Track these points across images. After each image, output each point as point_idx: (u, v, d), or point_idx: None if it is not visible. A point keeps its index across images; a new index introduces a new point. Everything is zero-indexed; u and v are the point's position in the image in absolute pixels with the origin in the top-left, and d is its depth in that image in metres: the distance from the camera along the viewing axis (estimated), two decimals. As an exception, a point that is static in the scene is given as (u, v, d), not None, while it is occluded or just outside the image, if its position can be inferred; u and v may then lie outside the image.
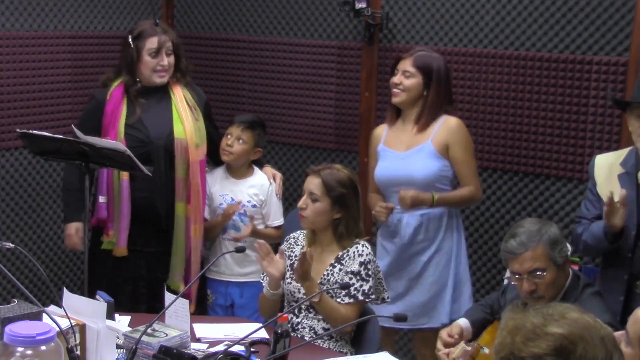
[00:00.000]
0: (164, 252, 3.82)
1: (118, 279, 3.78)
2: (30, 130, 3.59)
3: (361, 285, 3.14)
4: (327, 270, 3.20)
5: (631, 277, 3.13)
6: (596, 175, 3.27)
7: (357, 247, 3.20)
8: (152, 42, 3.75)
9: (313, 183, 3.23)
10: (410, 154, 3.73)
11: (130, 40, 3.77)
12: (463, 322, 3.14)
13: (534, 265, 2.86)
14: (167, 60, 3.77)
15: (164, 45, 3.77)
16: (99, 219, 3.77)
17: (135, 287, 3.80)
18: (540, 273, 2.86)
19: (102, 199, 3.75)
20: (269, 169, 4.01)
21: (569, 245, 3.12)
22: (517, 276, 2.90)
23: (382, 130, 3.89)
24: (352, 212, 3.20)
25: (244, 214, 3.88)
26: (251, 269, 3.90)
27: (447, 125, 3.72)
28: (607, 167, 3.25)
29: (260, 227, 3.92)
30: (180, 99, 3.83)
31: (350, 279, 3.13)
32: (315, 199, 3.20)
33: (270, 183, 3.92)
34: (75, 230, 3.80)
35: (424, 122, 3.72)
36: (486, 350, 2.89)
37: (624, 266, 3.14)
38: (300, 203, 3.24)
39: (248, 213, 3.88)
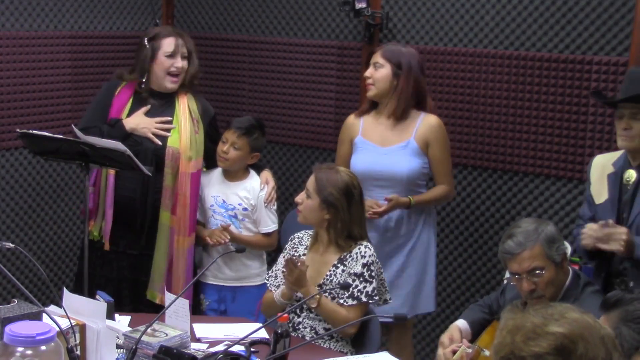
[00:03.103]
0: (147, 255, 3.81)
1: (100, 279, 3.77)
2: (30, 130, 3.60)
3: (364, 287, 3.13)
4: (330, 271, 3.19)
5: (608, 276, 3.14)
6: (591, 174, 3.27)
7: (359, 249, 3.18)
8: (169, 44, 3.77)
9: (311, 180, 3.25)
10: (393, 150, 3.75)
11: (145, 41, 3.79)
12: (461, 323, 3.13)
13: (532, 264, 2.86)
14: (181, 63, 3.79)
15: (179, 49, 3.78)
16: (88, 209, 3.78)
17: (118, 289, 3.77)
18: (539, 272, 2.86)
19: (90, 190, 3.75)
20: (265, 174, 3.95)
21: (566, 243, 3.11)
22: (516, 276, 2.90)
23: (356, 121, 3.88)
24: (342, 216, 3.17)
25: (235, 217, 3.88)
26: (243, 273, 3.89)
27: (428, 122, 3.76)
28: (601, 167, 3.25)
29: (254, 230, 3.91)
30: (184, 110, 3.82)
31: (354, 280, 3.12)
32: (308, 195, 3.22)
33: (261, 189, 3.90)
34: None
35: (399, 114, 3.73)
36: (486, 353, 2.88)
37: (602, 265, 3.16)
38: (297, 197, 3.28)
39: (239, 216, 3.87)
